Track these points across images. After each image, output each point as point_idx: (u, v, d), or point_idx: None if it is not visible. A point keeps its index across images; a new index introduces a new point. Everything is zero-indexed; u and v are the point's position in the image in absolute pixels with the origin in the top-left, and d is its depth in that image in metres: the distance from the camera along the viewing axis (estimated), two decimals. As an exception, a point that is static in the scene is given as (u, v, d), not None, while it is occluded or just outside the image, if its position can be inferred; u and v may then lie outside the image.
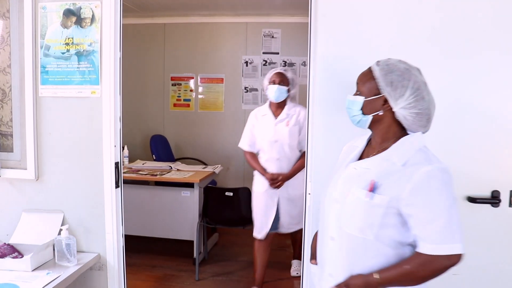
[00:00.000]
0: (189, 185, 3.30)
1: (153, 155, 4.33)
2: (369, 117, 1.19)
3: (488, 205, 1.68)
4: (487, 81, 1.65)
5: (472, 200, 1.67)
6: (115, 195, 1.86)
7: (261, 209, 2.83)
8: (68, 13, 1.82)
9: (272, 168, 2.77)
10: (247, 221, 3.04)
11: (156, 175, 3.40)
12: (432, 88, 1.19)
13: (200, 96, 4.79)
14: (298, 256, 3.07)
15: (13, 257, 1.72)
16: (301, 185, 2.73)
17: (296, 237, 3.12)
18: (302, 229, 2.81)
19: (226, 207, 3.05)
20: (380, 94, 1.15)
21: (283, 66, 4.57)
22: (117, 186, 1.87)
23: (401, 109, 1.13)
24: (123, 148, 1.88)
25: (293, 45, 4.53)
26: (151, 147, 4.42)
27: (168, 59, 4.78)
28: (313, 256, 1.36)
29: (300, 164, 2.74)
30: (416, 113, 1.13)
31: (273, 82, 2.74)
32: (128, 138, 4.08)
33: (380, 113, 1.17)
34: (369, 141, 1.29)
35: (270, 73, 2.81)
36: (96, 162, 1.85)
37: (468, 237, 1.68)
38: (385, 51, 1.53)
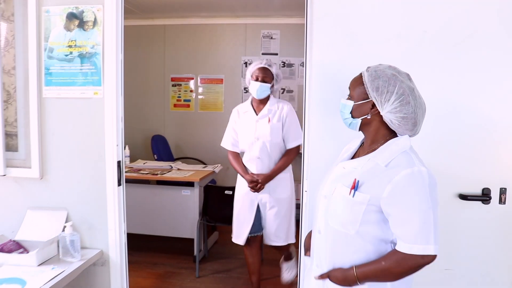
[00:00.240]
0: (190, 184, 3.33)
1: (155, 155, 4.37)
2: (359, 120, 1.24)
3: (479, 202, 1.72)
4: (477, 80, 1.68)
5: (463, 197, 1.71)
6: (118, 193, 1.90)
7: (239, 213, 2.67)
8: (71, 16, 1.86)
9: (253, 168, 2.60)
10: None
11: (157, 174, 3.43)
12: (424, 88, 1.24)
13: (200, 97, 4.83)
14: (285, 258, 2.95)
15: (19, 253, 1.77)
16: (285, 190, 2.63)
17: (281, 248, 2.79)
18: (288, 245, 2.69)
19: (225, 205, 3.05)
20: (369, 98, 1.21)
21: (282, 66, 4.60)
22: (119, 184, 1.91)
23: (388, 113, 1.18)
24: (124, 147, 1.92)
25: (291, 46, 4.57)
26: (152, 147, 4.47)
27: (169, 60, 4.82)
28: (307, 249, 1.44)
29: (282, 164, 2.58)
30: (402, 117, 1.17)
31: (256, 79, 2.55)
32: (129, 138, 4.10)
33: (368, 116, 1.22)
34: (363, 143, 1.34)
35: (254, 67, 2.59)
36: (99, 161, 1.89)
37: (459, 233, 1.76)
38: (379, 54, 1.58)
